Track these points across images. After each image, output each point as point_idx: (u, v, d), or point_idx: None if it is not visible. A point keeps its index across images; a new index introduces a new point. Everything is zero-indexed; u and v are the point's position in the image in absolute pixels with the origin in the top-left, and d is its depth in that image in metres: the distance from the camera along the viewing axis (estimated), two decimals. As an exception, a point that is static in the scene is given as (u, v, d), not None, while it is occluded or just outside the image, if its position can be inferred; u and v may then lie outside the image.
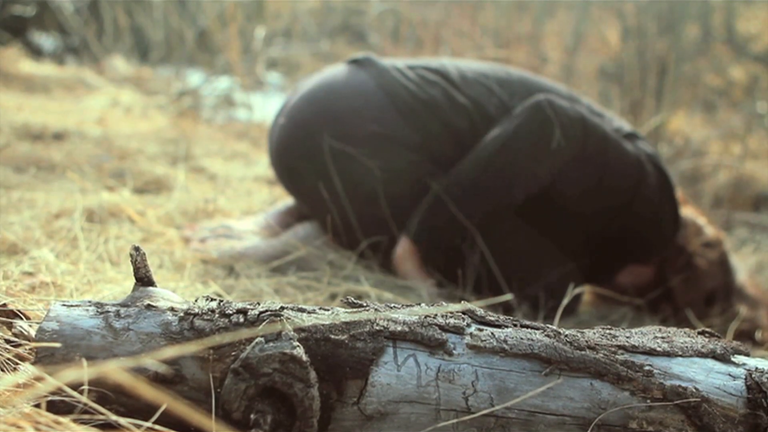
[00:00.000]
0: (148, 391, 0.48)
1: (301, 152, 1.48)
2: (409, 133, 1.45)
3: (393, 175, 1.44)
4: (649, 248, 1.61)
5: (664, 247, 1.61)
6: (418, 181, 1.45)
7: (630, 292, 1.65)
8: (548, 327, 0.75)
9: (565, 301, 1.26)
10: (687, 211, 1.66)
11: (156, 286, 0.74)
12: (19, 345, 0.76)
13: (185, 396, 0.66)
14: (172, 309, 0.70)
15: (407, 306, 0.76)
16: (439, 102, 1.48)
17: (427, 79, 1.52)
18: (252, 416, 0.63)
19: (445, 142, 1.47)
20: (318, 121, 1.48)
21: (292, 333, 0.67)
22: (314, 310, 0.72)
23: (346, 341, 0.69)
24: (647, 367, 0.72)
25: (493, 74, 1.57)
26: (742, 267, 1.77)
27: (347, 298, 0.76)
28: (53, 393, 0.63)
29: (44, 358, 0.66)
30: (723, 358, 0.76)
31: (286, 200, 1.81)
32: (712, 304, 1.64)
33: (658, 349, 0.75)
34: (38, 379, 0.64)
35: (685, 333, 0.79)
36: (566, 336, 0.74)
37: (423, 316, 0.73)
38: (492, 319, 0.75)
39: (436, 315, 0.73)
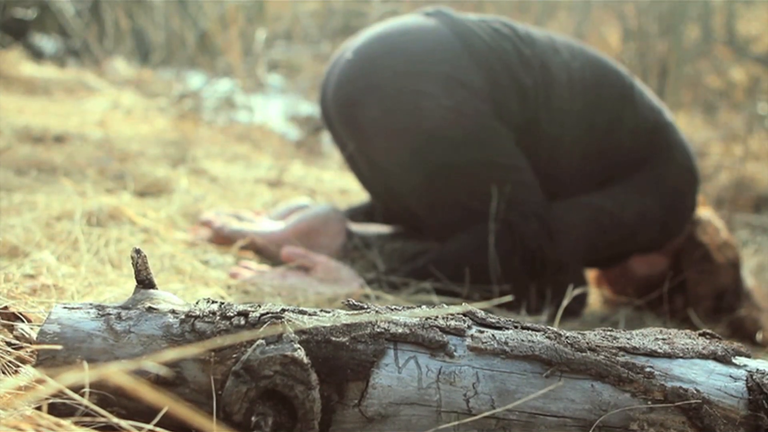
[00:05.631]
0: (149, 394, 0.48)
1: (367, 83, 1.46)
2: (480, 81, 1.44)
3: (459, 118, 1.42)
4: (656, 244, 1.63)
5: (668, 242, 1.63)
6: (479, 130, 1.43)
7: (643, 283, 1.65)
8: (549, 329, 0.75)
9: (565, 302, 1.26)
10: (706, 211, 1.68)
11: (157, 289, 0.74)
12: (21, 347, 0.76)
13: (186, 398, 0.66)
14: (173, 311, 0.70)
15: (408, 308, 0.76)
16: (510, 55, 1.47)
17: (500, 31, 1.51)
18: (253, 418, 0.63)
19: (511, 96, 1.46)
20: (390, 56, 1.46)
21: (293, 335, 0.67)
22: (315, 312, 0.72)
23: (347, 343, 0.69)
24: (648, 369, 0.72)
25: (556, 36, 1.59)
26: (747, 273, 1.78)
27: (348, 300, 0.76)
28: (54, 395, 0.63)
29: (45, 361, 0.66)
30: (724, 359, 0.76)
31: (287, 201, 1.81)
32: (722, 300, 1.64)
33: (659, 350, 0.75)
34: (39, 381, 0.64)
35: (686, 334, 0.80)
36: (567, 338, 0.74)
37: (424, 318, 0.73)
38: (493, 320, 0.75)
39: (437, 317, 0.73)
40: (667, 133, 1.58)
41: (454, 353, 0.71)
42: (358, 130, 1.49)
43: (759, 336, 1.58)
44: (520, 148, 1.47)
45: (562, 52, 1.52)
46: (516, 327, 0.75)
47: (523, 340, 0.72)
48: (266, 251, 1.50)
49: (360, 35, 1.58)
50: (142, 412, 0.65)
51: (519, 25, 1.56)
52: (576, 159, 1.52)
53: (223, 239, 1.50)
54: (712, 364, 0.75)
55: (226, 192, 1.98)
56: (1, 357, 0.74)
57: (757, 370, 0.75)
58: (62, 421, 0.61)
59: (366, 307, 0.75)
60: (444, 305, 1.05)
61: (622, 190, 1.53)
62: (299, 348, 0.66)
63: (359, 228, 1.64)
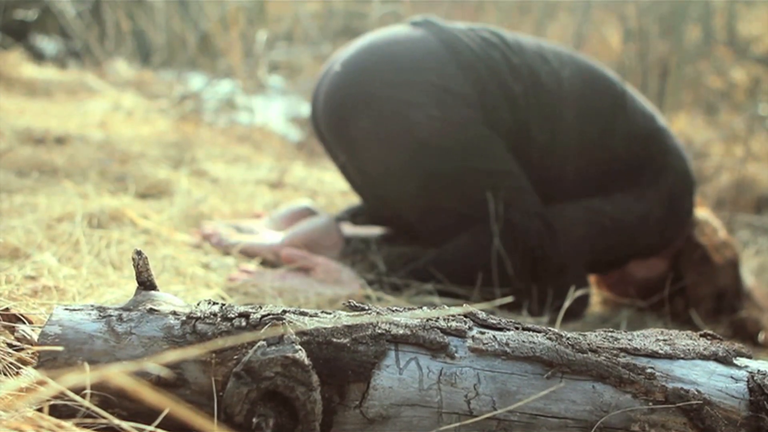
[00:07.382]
0: (150, 395, 0.48)
1: (356, 95, 1.46)
2: (468, 89, 1.44)
3: (448, 127, 1.42)
4: (653, 249, 1.63)
5: (667, 246, 1.63)
6: (469, 138, 1.43)
7: (643, 285, 1.65)
8: (550, 330, 0.75)
9: (567, 304, 1.26)
10: (704, 212, 1.68)
11: (158, 290, 0.74)
12: (22, 349, 0.76)
13: (187, 400, 0.67)
14: (174, 313, 0.70)
15: (409, 309, 0.76)
16: (498, 63, 1.48)
17: (488, 40, 1.52)
18: (254, 420, 0.63)
19: (500, 103, 1.46)
20: (377, 67, 1.47)
21: (294, 336, 0.67)
22: (316, 313, 0.72)
23: (348, 344, 0.69)
24: (649, 370, 0.72)
25: (545, 44, 1.60)
26: (747, 272, 1.78)
27: (349, 301, 0.76)
28: (56, 397, 0.63)
29: (47, 362, 0.66)
30: (725, 360, 0.76)
31: (289, 203, 1.81)
32: (722, 300, 1.64)
33: (660, 351, 0.75)
34: (41, 383, 0.64)
35: (687, 335, 0.80)
36: (568, 339, 0.74)
37: (425, 320, 0.73)
38: (494, 322, 0.75)
39: (438, 318, 0.73)
40: (661, 139, 1.58)
41: (455, 354, 0.71)
42: (349, 141, 1.50)
43: (760, 337, 1.58)
44: (511, 155, 1.47)
45: (551, 60, 1.53)
46: (517, 328, 0.75)
47: (524, 341, 0.72)
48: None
49: (348, 47, 1.58)
50: (144, 413, 0.65)
51: (507, 33, 1.57)
52: (568, 166, 1.52)
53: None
54: (713, 365, 0.75)
55: (227, 193, 1.98)
56: (3, 359, 0.74)
57: (759, 371, 0.75)
58: (63, 423, 0.61)
59: (367, 308, 0.75)
60: (445, 306, 1.05)
61: (621, 195, 1.54)
62: (300, 349, 0.66)
63: (359, 230, 1.64)
